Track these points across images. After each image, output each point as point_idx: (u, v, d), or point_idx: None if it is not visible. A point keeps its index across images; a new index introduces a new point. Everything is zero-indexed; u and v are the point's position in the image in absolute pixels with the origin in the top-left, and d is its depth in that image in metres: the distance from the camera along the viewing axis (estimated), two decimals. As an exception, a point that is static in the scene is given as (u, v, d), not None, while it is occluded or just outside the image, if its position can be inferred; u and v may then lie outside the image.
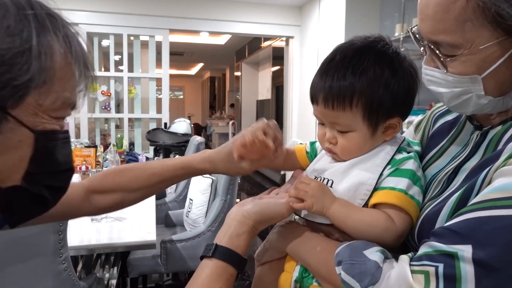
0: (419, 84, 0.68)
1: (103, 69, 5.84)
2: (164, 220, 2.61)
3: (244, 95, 8.77)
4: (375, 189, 0.64)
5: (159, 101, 4.74)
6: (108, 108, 4.52)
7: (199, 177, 2.36)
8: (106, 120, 5.36)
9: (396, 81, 0.65)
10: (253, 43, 7.52)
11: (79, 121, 4.45)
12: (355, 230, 0.63)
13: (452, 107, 0.61)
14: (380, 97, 0.64)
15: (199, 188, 2.29)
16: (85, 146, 2.77)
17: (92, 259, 2.01)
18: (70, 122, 4.29)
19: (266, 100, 7.87)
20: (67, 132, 0.51)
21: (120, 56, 4.69)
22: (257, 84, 8.81)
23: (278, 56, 6.69)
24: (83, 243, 1.56)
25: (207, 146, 10.41)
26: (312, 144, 0.82)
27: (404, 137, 0.72)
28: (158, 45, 4.65)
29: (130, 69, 4.57)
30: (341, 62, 0.65)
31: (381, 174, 0.65)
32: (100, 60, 5.69)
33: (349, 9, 3.95)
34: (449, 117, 0.74)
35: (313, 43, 4.78)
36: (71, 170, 0.54)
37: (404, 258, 0.52)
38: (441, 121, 0.75)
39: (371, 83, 0.63)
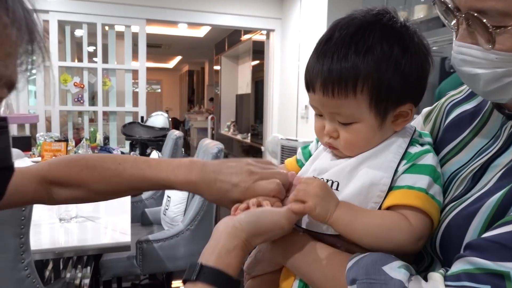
0: (432, 63, 0.59)
1: (76, 60, 5.59)
2: (141, 218, 2.49)
3: (224, 89, 8.64)
4: (390, 188, 0.55)
5: (135, 94, 4.57)
6: (81, 101, 4.32)
7: (178, 173, 2.25)
8: (80, 113, 5.14)
9: (408, 60, 0.55)
10: (233, 36, 7.38)
11: (50, 114, 4.24)
12: (365, 236, 0.53)
13: (487, 92, 0.51)
14: (389, 79, 0.55)
15: (178, 185, 2.18)
16: (55, 140, 2.60)
17: (61, 261, 1.87)
18: (40, 115, 4.08)
19: (245, 95, 7.76)
20: (3, 120, 0.39)
21: (94, 47, 4.49)
22: (236, 78, 8.69)
23: (258, 50, 6.58)
24: (50, 246, 1.43)
25: (186, 141, 10.24)
26: (305, 148, 0.72)
27: (415, 127, 0.63)
28: (135, 37, 4.46)
29: (105, 60, 4.38)
30: (341, 40, 0.55)
31: (395, 171, 0.56)
32: (73, 50, 5.44)
33: (331, 2, 3.89)
34: (468, 106, 0.64)
35: (294, 36, 4.71)
36: (9, 170, 0.43)
37: (436, 277, 0.44)
38: (458, 111, 0.65)
39: (378, 64, 0.54)
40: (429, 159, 0.56)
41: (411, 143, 0.59)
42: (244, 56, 8.07)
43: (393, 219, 0.53)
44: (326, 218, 0.54)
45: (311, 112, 4.33)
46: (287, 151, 4.20)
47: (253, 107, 7.21)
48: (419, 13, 3.29)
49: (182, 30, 7.35)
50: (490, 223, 0.46)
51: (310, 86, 0.59)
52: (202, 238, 2.12)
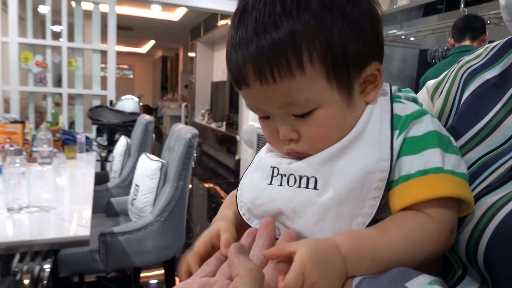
0: (380, 8, 0.45)
1: (40, 37, 5.22)
2: (106, 209, 2.29)
3: (199, 76, 8.40)
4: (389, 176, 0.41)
5: (104, 78, 4.29)
6: (44, 82, 4.01)
7: (146, 160, 2.06)
8: (44, 96, 4.81)
9: (354, 5, 0.41)
10: (209, 21, 7.15)
11: (9, 95, 3.91)
12: (390, 264, 0.37)
13: None
14: (341, 35, 0.40)
15: (147, 173, 2.00)
16: (10, 122, 2.35)
17: (13, 256, 1.66)
18: (-3, 95, 3.77)
19: (221, 82, 7.57)
20: None
21: (60, 27, 4.16)
22: (212, 65, 8.46)
23: (235, 36, 6.39)
24: (-5, 240, 1.23)
25: (157, 128, 9.95)
26: None
27: (388, 84, 0.47)
28: (104, 17, 4.18)
29: (71, 39, 4.07)
30: (262, 4, 0.40)
31: (392, 149, 0.41)
32: (37, 29, 5.06)
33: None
34: (489, 75, 0.50)
35: (273, 22, 4.56)
36: None
37: None
38: (479, 81, 0.50)
39: (319, 19, 0.39)
40: (428, 122, 0.42)
41: (394, 100, 0.45)
42: (220, 42, 7.85)
43: (413, 228, 0.39)
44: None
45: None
46: (264, 140, 4.06)
47: (229, 96, 7.04)
48: (402, 0, 3.19)
49: (155, 13, 7.05)
50: None
51: (240, 80, 0.42)
52: (172, 230, 1.96)
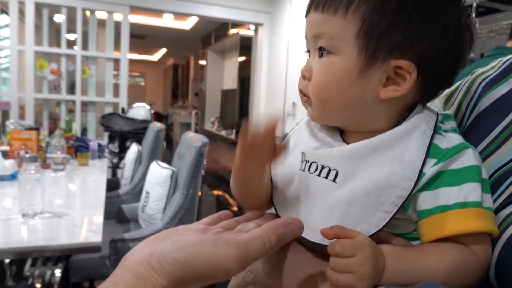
0: (474, 40, 0.45)
1: (55, 46, 5.34)
2: (117, 215, 2.32)
3: (209, 84, 8.47)
4: (410, 194, 0.41)
5: (116, 85, 4.37)
6: (58, 89, 4.09)
7: (157, 167, 2.09)
8: (58, 103, 4.90)
9: (437, 2, 0.42)
10: (220, 30, 7.22)
11: (24, 101, 4.00)
12: None
13: None
14: (391, 16, 0.41)
15: (157, 180, 2.03)
16: (26, 128, 2.41)
17: (25, 261, 1.69)
18: (13, 102, 3.85)
19: (231, 90, 7.61)
20: None
21: (74, 35, 4.26)
22: (222, 73, 8.53)
23: (245, 46, 6.44)
24: (10, 245, 1.26)
25: (168, 135, 10.02)
26: (284, 138, 0.55)
27: (437, 112, 0.47)
28: (117, 26, 4.26)
29: (85, 48, 4.16)
30: None
31: (420, 173, 0.41)
32: (52, 37, 5.18)
33: (323, -3, 3.78)
34: (506, 88, 0.50)
35: (283, 32, 4.59)
36: None
37: None
38: (494, 93, 0.51)
39: None
40: (470, 157, 0.42)
41: (436, 131, 0.44)
42: (230, 51, 7.91)
43: (455, 259, 0.40)
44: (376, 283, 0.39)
45: (299, 109, 4.23)
46: (273, 148, 4.08)
47: (239, 103, 7.07)
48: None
49: (167, 21, 7.15)
50: None
51: (308, 6, 0.47)
52: (182, 237, 1.97)
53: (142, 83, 14.72)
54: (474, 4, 2.43)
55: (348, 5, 0.42)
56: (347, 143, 0.46)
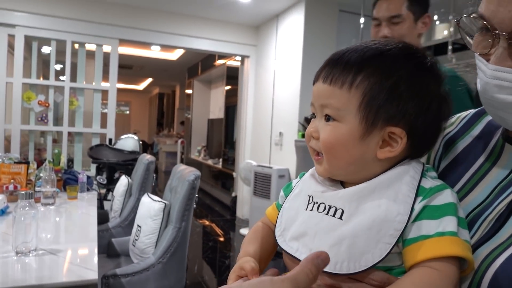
0: (451, 111, 0.55)
1: (41, 78, 5.35)
2: (107, 249, 2.30)
3: (195, 113, 8.54)
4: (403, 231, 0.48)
5: (104, 116, 4.39)
6: (45, 120, 4.09)
7: (149, 200, 2.10)
8: (42, 133, 4.86)
9: (423, 83, 0.52)
10: (207, 60, 7.37)
11: (10, 132, 3.97)
12: None
13: None
14: (390, 88, 0.50)
15: (149, 213, 2.04)
16: (15, 162, 2.40)
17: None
18: (-1, 134, 3.82)
19: (217, 120, 7.70)
20: None
21: (62, 66, 4.30)
22: (208, 103, 8.63)
23: (231, 76, 6.59)
24: (5, 285, 1.25)
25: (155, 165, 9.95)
26: (287, 187, 0.65)
27: (423, 163, 0.57)
28: (106, 56, 4.33)
29: (73, 79, 4.19)
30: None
31: (412, 209, 0.49)
32: (39, 68, 5.21)
33: (307, 32, 3.95)
34: (465, 142, 0.60)
35: (269, 63, 4.73)
36: None
37: None
38: (458, 146, 0.61)
39: (387, 68, 0.51)
40: (448, 196, 0.50)
41: (423, 175, 0.53)
42: (217, 80, 8.05)
43: (422, 279, 0.46)
44: None
45: (285, 139, 4.31)
46: (261, 178, 4.12)
47: (225, 132, 7.14)
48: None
49: (155, 52, 7.27)
50: None
51: (316, 76, 0.56)
52: (174, 271, 1.97)
53: (127, 112, 14.71)
54: (450, 43, 2.60)
55: (352, 81, 0.51)
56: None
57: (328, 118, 0.53)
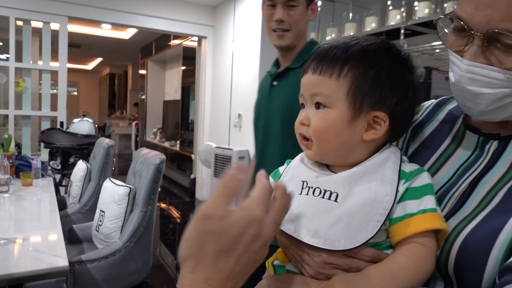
0: (422, 99, 0.62)
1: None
2: (68, 236, 2.24)
3: (150, 94, 8.31)
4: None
5: (53, 97, 4.17)
6: (-11, 103, 3.82)
7: (111, 185, 2.07)
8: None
9: (400, 72, 0.58)
10: (161, 40, 7.16)
11: None
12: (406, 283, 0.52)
13: (486, 111, 0.54)
14: (374, 77, 0.57)
15: (113, 198, 2.01)
16: (-39, 149, 2.25)
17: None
18: None
19: (174, 101, 7.56)
20: None
21: (1, 43, 4.00)
22: (164, 84, 8.42)
23: (188, 56, 6.46)
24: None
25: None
26: (275, 173, 0.69)
27: (400, 150, 0.63)
28: (53, 34, 4.08)
29: (18, 59, 3.93)
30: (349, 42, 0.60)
31: (396, 191, 0.56)
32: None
33: (265, 14, 3.94)
34: (430, 128, 0.68)
35: (227, 44, 4.70)
36: None
37: None
38: (423, 133, 0.69)
39: (372, 59, 0.57)
40: (426, 177, 0.58)
41: (402, 160, 0.60)
42: (172, 61, 7.86)
43: (413, 255, 0.53)
44: None
45: (245, 121, 4.35)
46: (221, 159, 4.15)
47: (181, 114, 7.04)
48: (349, 31, 3.48)
49: (105, 31, 6.94)
50: None
51: (304, 69, 0.61)
52: (141, 255, 1.98)
53: (75, 93, 13.98)
54: (402, 28, 2.73)
55: (340, 71, 0.57)
56: (335, 173, 0.59)
57: (318, 106, 0.58)
